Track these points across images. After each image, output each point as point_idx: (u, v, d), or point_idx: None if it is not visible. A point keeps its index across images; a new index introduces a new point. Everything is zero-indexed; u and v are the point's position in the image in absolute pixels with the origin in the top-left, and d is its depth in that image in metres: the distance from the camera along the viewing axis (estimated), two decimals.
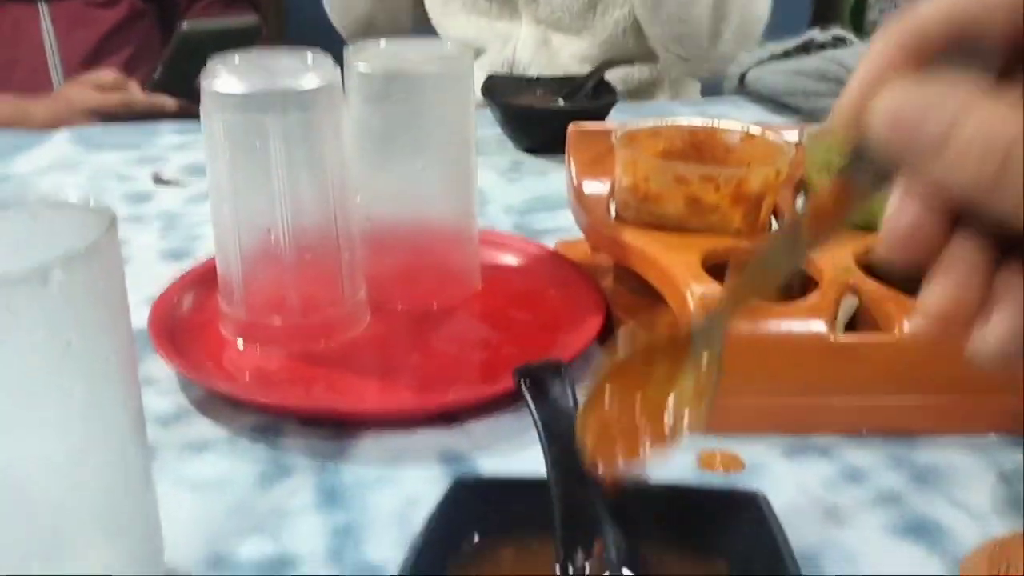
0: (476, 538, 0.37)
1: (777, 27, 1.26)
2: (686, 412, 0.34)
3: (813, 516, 0.46)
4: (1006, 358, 0.28)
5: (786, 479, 0.48)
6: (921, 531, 0.44)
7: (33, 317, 0.31)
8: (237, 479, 0.48)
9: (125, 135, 1.00)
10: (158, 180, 0.86)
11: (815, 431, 0.52)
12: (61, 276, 0.31)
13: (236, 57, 0.54)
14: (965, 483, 0.48)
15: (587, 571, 0.36)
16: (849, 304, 0.54)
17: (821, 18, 2.01)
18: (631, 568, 0.37)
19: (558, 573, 0.36)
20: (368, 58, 0.59)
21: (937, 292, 0.28)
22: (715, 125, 0.64)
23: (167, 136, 0.99)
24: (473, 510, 0.38)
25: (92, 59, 1.33)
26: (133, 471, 0.37)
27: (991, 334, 0.28)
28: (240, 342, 0.58)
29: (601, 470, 0.35)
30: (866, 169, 0.29)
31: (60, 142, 0.98)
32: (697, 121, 0.65)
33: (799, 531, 0.43)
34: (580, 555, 0.37)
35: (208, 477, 0.48)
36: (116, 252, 0.34)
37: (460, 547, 0.37)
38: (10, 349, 0.31)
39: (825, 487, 0.48)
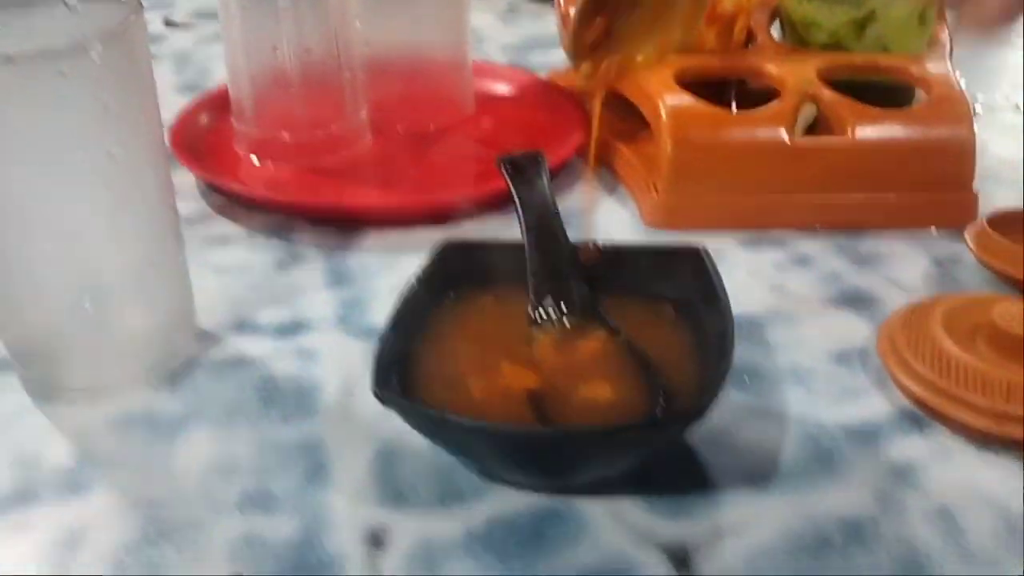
0: (459, 290, 0.44)
1: None
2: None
3: (762, 292, 0.52)
4: None
5: (741, 264, 0.54)
6: (855, 301, 0.51)
7: (77, 82, 0.37)
8: (256, 265, 0.54)
9: None
10: (169, 23, 0.90)
11: (772, 226, 0.57)
12: (99, 47, 0.37)
13: None
14: (901, 266, 0.54)
15: (553, 314, 0.43)
16: (808, 112, 0.58)
17: None
18: (592, 313, 0.43)
19: (530, 314, 0.43)
20: None
21: None
22: None
23: None
24: (457, 268, 0.44)
25: None
26: (166, 229, 0.43)
27: None
28: (254, 157, 0.64)
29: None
30: None
31: None
32: None
33: (748, 303, 0.50)
34: (549, 301, 0.43)
35: (231, 263, 0.55)
36: (144, 33, 0.40)
37: (444, 296, 0.43)
38: (57, 110, 0.37)
39: (775, 269, 0.54)
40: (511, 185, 0.47)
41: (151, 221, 0.43)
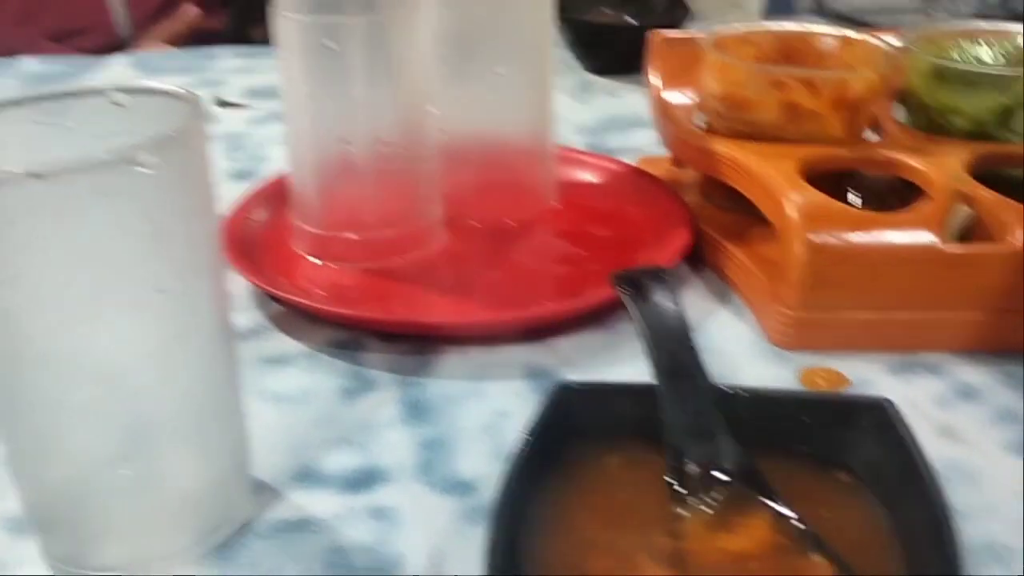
0: (579, 447, 0.35)
1: None
2: None
3: (926, 435, 0.43)
4: None
5: (895, 396, 0.45)
6: None
7: (123, 202, 0.30)
8: (320, 392, 0.47)
9: (184, 59, 0.98)
10: (222, 103, 0.84)
11: (925, 348, 0.49)
12: (151, 160, 0.29)
13: None
14: None
15: (700, 482, 0.34)
16: (962, 214, 0.50)
17: None
18: (747, 481, 0.34)
19: (669, 482, 0.34)
20: None
21: None
22: (809, 29, 0.60)
23: (226, 60, 0.97)
24: (576, 417, 0.36)
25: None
26: (221, 370, 0.35)
27: None
28: (316, 259, 0.57)
29: None
30: None
31: (117, 66, 0.96)
32: (788, 26, 0.61)
33: None
34: (692, 465, 0.35)
35: (290, 390, 0.47)
36: (203, 138, 0.32)
37: (562, 456, 0.35)
38: (102, 233, 0.30)
39: (937, 405, 0.45)
40: (634, 311, 0.39)
41: (204, 358, 0.35)
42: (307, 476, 0.41)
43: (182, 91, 0.33)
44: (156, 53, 1.02)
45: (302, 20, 0.51)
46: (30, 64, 0.97)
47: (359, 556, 0.37)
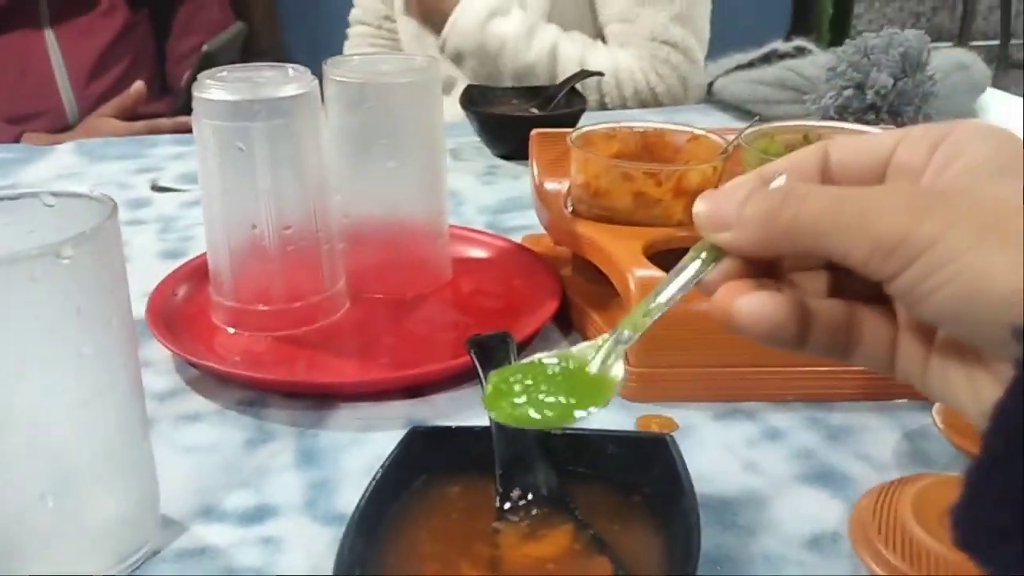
0: (426, 478, 0.43)
1: (756, 36, 1.31)
2: None
3: (734, 470, 0.52)
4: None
5: (713, 439, 0.54)
6: (826, 478, 0.50)
7: (49, 286, 0.38)
8: (225, 444, 0.54)
9: (125, 146, 1.06)
10: (156, 188, 0.93)
11: (744, 398, 0.58)
12: (71, 252, 0.38)
13: (224, 70, 0.61)
14: (871, 439, 0.54)
15: (520, 504, 0.42)
16: None
17: (799, 29, 2.07)
18: (558, 502, 0.43)
19: (497, 505, 0.42)
20: (344, 71, 0.66)
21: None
22: (663, 127, 0.71)
23: (164, 147, 1.06)
24: (425, 454, 0.44)
25: (96, 68, 1.40)
26: (133, 421, 0.43)
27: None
28: (230, 329, 0.64)
29: None
30: None
31: (63, 153, 1.04)
32: (650, 124, 0.72)
33: (719, 482, 0.50)
34: (517, 491, 0.43)
35: (200, 443, 0.54)
36: (117, 234, 0.41)
37: (411, 485, 0.43)
38: (30, 312, 0.38)
39: (747, 445, 0.54)
40: (478, 368, 0.47)
41: (119, 414, 0.43)
42: (209, 513, 0.48)
43: (100, 195, 0.42)
44: (99, 141, 1.10)
45: (218, 125, 0.60)
46: None
47: None
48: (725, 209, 0.32)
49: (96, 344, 0.40)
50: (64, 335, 0.39)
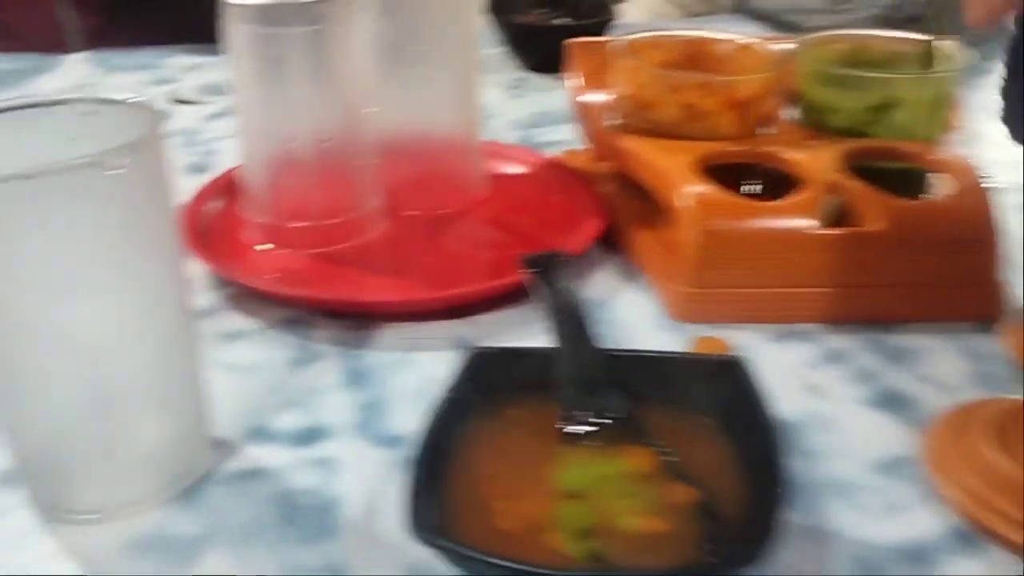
0: (490, 399, 0.42)
1: None
2: None
3: (796, 392, 0.50)
4: None
5: (772, 361, 0.52)
6: (893, 402, 0.49)
7: (93, 198, 0.35)
8: (270, 363, 0.53)
9: (139, 57, 1.03)
10: (178, 100, 0.89)
11: (799, 319, 0.56)
12: (117, 163, 0.35)
13: None
14: (935, 362, 0.52)
15: (589, 425, 0.41)
16: (833, 203, 0.57)
17: None
18: (625, 425, 0.41)
19: (563, 427, 0.41)
20: None
21: None
22: (712, 36, 0.67)
23: (180, 57, 1.02)
24: (488, 377, 0.42)
25: None
26: (182, 340, 0.41)
27: None
28: (266, 244, 0.62)
29: None
30: None
31: (76, 63, 1.01)
32: (695, 33, 0.68)
33: (783, 405, 0.48)
34: (582, 414, 0.41)
35: (245, 361, 0.53)
36: (163, 145, 0.38)
37: (475, 408, 0.41)
38: (75, 225, 0.36)
39: (808, 367, 0.52)
40: (536, 287, 0.45)
41: (167, 332, 0.41)
42: (260, 433, 0.47)
43: (142, 103, 0.39)
44: (112, 52, 1.06)
45: (251, 30, 0.57)
46: None
47: (304, 498, 0.43)
48: None
49: (142, 260, 0.38)
50: (109, 250, 0.37)
